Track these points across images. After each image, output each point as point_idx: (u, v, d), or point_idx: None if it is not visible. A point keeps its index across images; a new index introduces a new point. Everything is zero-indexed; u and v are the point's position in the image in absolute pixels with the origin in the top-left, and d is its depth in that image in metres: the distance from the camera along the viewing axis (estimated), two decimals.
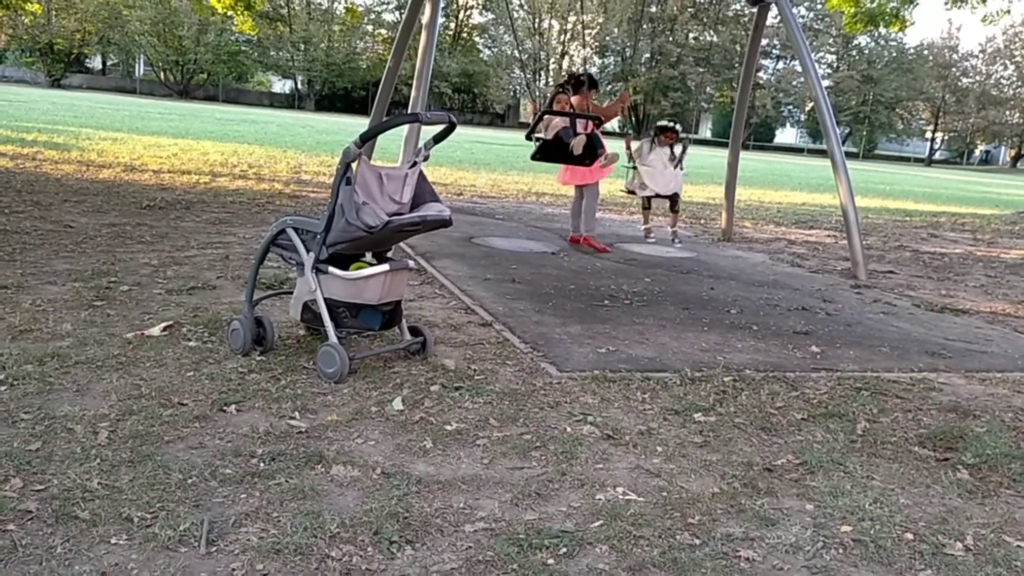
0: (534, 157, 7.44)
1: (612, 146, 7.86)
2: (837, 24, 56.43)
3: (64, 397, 3.15)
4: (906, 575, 2.38)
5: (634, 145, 8.55)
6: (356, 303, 3.72)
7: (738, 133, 9.61)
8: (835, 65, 71.33)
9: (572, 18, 67.88)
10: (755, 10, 9.09)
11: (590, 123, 7.33)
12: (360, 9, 55.58)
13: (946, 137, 77.62)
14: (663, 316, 5.32)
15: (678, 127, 8.67)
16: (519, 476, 2.82)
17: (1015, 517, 2.79)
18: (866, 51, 71.62)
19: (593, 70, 68.88)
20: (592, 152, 7.32)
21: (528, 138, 7.40)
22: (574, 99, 7.53)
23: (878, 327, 5.53)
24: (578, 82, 7.65)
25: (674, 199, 8.52)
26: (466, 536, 2.41)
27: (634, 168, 8.43)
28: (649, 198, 8.54)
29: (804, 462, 3.10)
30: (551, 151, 7.31)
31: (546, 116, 7.36)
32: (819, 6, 64.97)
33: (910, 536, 2.59)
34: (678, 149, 8.49)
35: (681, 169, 8.49)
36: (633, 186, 8.50)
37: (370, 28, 66.52)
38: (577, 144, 7.11)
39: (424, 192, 3.88)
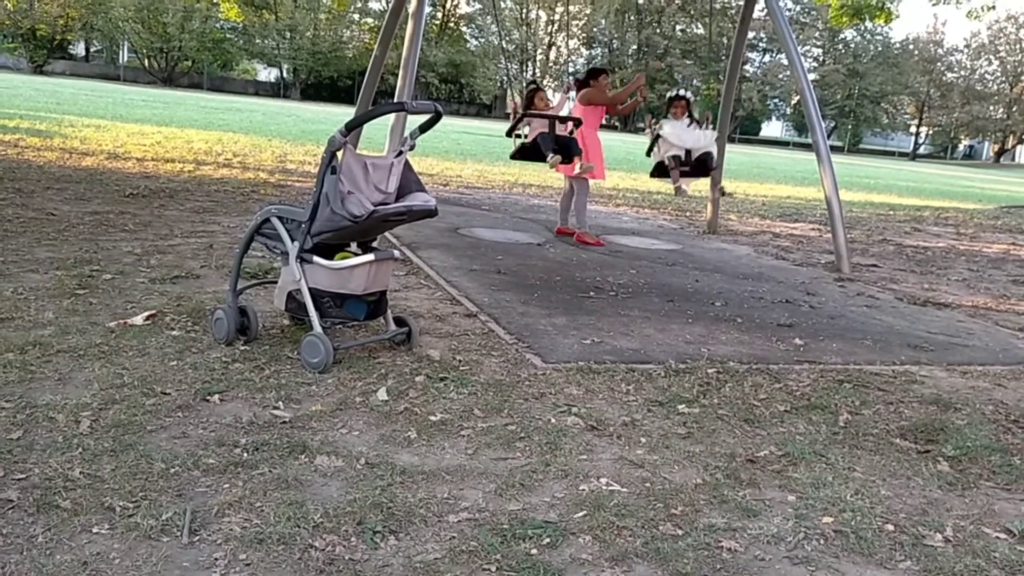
0: (513, 157, 7.43)
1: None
2: (823, 17, 56.52)
3: (46, 386, 3.13)
4: (886, 566, 2.40)
5: (660, 123, 7.91)
6: (341, 293, 3.71)
7: (724, 126, 9.61)
8: (821, 59, 71.59)
9: (559, 9, 67.77)
10: (742, 3, 9.10)
11: (569, 124, 7.28)
12: None
13: (930, 132, 78.06)
14: (648, 308, 5.33)
15: (688, 95, 8.14)
16: (503, 467, 2.83)
17: (994, 509, 2.82)
18: (852, 45, 71.91)
19: (580, 62, 68.88)
20: (568, 156, 7.23)
21: (508, 135, 7.39)
22: (585, 92, 7.62)
23: (861, 320, 5.56)
24: (579, 82, 7.83)
25: (708, 158, 7.78)
26: (450, 526, 2.41)
27: (654, 144, 7.84)
28: (677, 158, 7.71)
29: (786, 454, 3.12)
30: (530, 153, 7.26)
31: (529, 112, 7.24)
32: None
33: (891, 527, 2.61)
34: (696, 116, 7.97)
35: (710, 128, 7.95)
36: (660, 157, 7.81)
37: (356, 17, 66.18)
38: (552, 162, 7.04)
39: (410, 182, 3.87)
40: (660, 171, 7.86)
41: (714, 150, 7.89)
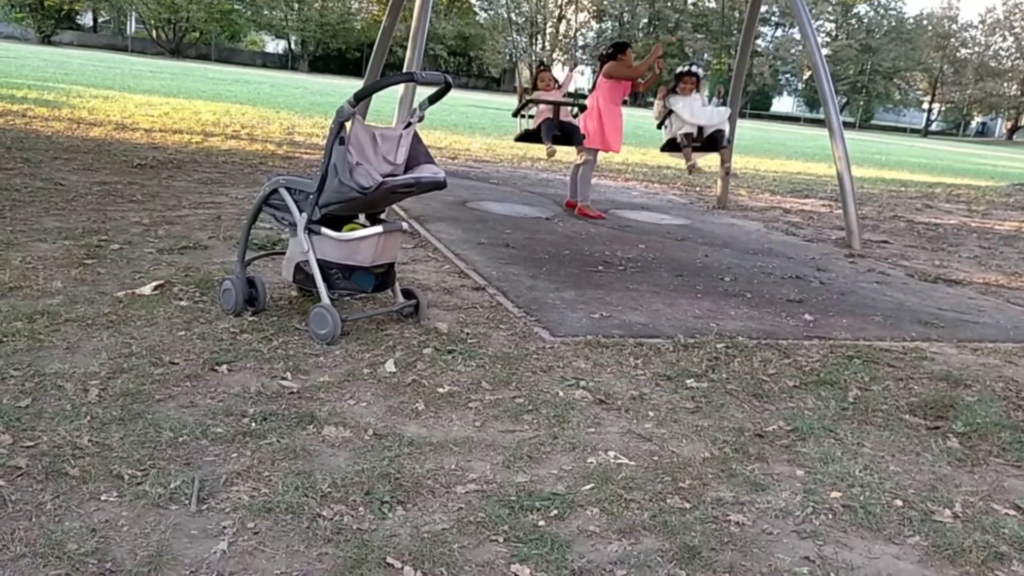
0: (518, 139, 7.65)
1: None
2: None
3: (54, 354, 3.14)
4: (895, 541, 2.39)
5: (670, 99, 7.75)
6: (349, 265, 3.70)
7: (735, 100, 9.52)
8: (834, 33, 70.86)
9: None
10: None
11: (573, 108, 7.41)
12: None
13: (943, 108, 77.34)
14: (657, 283, 5.31)
15: (699, 71, 7.94)
16: (511, 439, 2.82)
17: (1003, 485, 2.81)
18: (865, 20, 71.19)
19: (590, 35, 68.32)
20: (570, 142, 7.42)
21: (515, 116, 7.52)
22: (609, 66, 7.57)
23: (871, 296, 5.53)
24: (604, 56, 7.80)
25: (719, 136, 7.75)
26: (457, 497, 2.41)
27: (666, 119, 7.75)
28: (689, 135, 7.63)
29: (795, 428, 3.11)
30: (534, 137, 7.40)
31: (533, 96, 7.29)
32: None
33: (899, 503, 2.61)
34: (705, 93, 7.95)
35: (723, 105, 7.99)
36: (672, 134, 7.74)
37: None
38: (549, 152, 7.15)
39: (418, 154, 3.84)
40: (672, 147, 7.83)
41: (726, 127, 7.86)
